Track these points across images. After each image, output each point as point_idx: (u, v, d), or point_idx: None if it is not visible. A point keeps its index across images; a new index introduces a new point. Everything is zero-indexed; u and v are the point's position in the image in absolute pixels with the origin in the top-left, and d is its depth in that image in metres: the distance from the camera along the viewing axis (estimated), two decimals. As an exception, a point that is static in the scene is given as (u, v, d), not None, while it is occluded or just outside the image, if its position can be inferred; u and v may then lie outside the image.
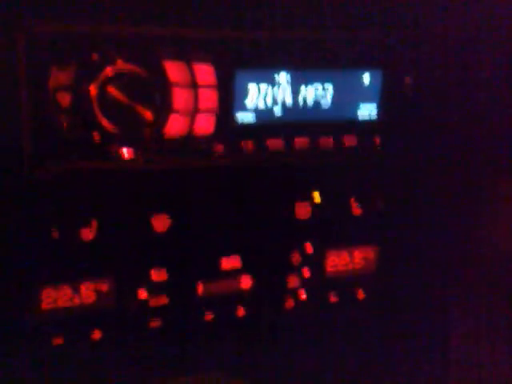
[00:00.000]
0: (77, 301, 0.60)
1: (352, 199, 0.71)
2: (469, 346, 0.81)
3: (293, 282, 0.71)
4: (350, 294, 0.76)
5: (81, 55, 0.50)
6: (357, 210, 0.71)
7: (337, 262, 0.74)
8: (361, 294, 0.77)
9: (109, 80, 0.50)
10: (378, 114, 0.65)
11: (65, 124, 0.51)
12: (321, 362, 0.79)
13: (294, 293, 0.72)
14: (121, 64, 0.51)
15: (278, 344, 0.76)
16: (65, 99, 0.50)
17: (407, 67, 0.64)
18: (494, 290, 0.78)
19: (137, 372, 0.67)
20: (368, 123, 0.65)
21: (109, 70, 0.50)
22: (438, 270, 0.81)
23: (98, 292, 0.61)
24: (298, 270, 0.71)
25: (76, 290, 0.60)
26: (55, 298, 0.59)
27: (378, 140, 0.66)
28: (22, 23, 0.48)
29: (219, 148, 0.58)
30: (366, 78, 0.62)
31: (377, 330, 0.81)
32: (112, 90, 0.50)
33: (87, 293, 0.61)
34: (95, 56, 0.50)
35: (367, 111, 0.64)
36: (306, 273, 0.72)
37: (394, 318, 0.82)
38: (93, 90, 0.50)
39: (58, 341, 0.60)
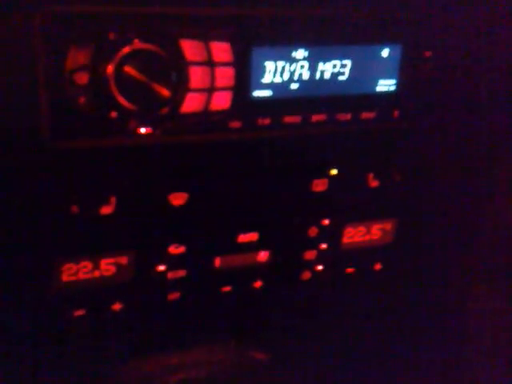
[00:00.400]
0: (97, 273, 0.62)
1: (369, 172, 0.70)
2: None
3: (309, 254, 0.72)
4: (367, 265, 0.77)
5: (98, 35, 0.50)
6: (374, 182, 0.71)
7: (354, 233, 0.74)
8: (377, 265, 0.77)
9: (126, 59, 0.50)
10: (397, 88, 0.63)
11: (83, 102, 0.51)
12: (338, 333, 0.81)
13: (311, 265, 0.73)
14: (138, 43, 0.50)
15: (295, 314, 0.78)
16: (82, 78, 0.50)
17: (427, 42, 0.62)
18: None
19: (155, 343, 0.69)
20: (387, 97, 0.64)
21: (126, 50, 0.50)
22: (458, 243, 0.81)
23: (118, 265, 0.62)
24: (314, 243, 0.72)
25: (96, 263, 0.61)
26: (76, 270, 0.60)
27: (396, 113, 0.65)
28: (39, 3, 0.48)
29: (236, 124, 0.58)
30: (385, 53, 0.61)
31: (393, 301, 0.82)
32: (129, 69, 0.50)
33: (107, 266, 0.62)
34: (112, 35, 0.50)
35: (386, 86, 0.63)
36: (323, 245, 0.72)
37: (410, 289, 0.82)
38: (110, 69, 0.50)
39: (79, 312, 0.62)
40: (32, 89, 0.50)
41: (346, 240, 0.74)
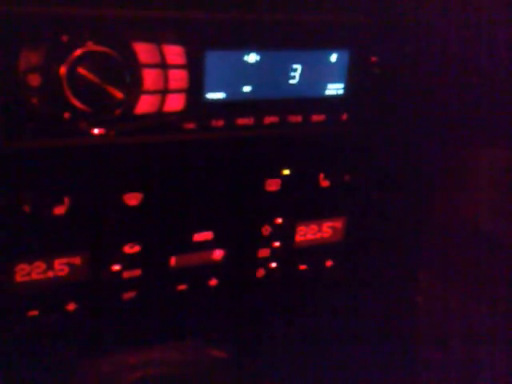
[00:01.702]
0: (51, 274, 0.61)
1: (320, 172, 0.72)
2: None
3: (263, 252, 0.74)
4: (319, 262, 0.79)
5: (51, 36, 0.50)
6: (325, 182, 0.73)
7: (306, 231, 0.76)
8: (329, 262, 0.79)
9: (79, 61, 0.50)
10: (345, 92, 0.66)
11: (36, 103, 0.51)
12: (292, 329, 0.82)
13: (265, 262, 0.75)
14: (91, 45, 0.51)
15: (251, 312, 0.79)
16: (35, 80, 0.50)
17: (374, 47, 0.65)
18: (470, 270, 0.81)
19: (112, 342, 0.69)
20: (335, 101, 0.66)
21: (79, 52, 0.50)
22: (405, 239, 0.84)
23: (72, 265, 0.62)
24: (268, 241, 0.74)
25: (50, 263, 0.61)
26: (29, 270, 0.60)
27: (345, 116, 0.67)
28: None
29: (190, 125, 0.59)
30: (333, 58, 0.63)
31: (345, 298, 0.84)
32: (82, 71, 0.51)
33: (61, 266, 0.62)
34: (65, 38, 0.50)
35: (335, 90, 0.65)
36: (276, 243, 0.74)
37: (361, 287, 0.85)
38: (63, 70, 0.50)
39: (33, 312, 0.62)
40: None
41: (298, 238, 0.76)
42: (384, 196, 0.79)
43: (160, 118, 0.57)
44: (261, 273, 0.75)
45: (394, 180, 0.79)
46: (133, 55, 0.53)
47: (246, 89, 0.60)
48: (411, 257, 0.86)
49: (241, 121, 0.61)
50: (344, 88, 0.66)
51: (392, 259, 0.84)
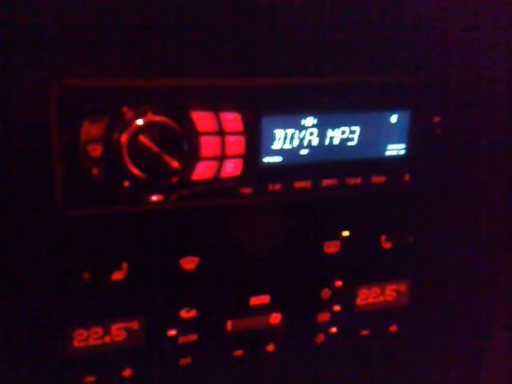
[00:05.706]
0: (108, 339, 0.61)
1: (382, 233, 0.70)
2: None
3: (323, 316, 0.71)
4: (382, 327, 0.75)
5: (111, 109, 0.51)
6: (387, 244, 0.70)
7: (368, 295, 0.73)
8: (393, 327, 0.76)
9: (138, 131, 0.52)
10: (407, 153, 0.64)
11: (96, 173, 0.52)
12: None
13: (325, 327, 0.72)
14: (150, 116, 0.52)
15: (310, 379, 0.76)
16: (96, 150, 0.52)
17: (435, 107, 0.63)
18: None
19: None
20: (397, 161, 0.64)
21: (139, 122, 0.52)
22: (474, 302, 0.79)
23: (129, 330, 0.62)
24: (328, 305, 0.71)
25: (107, 328, 0.61)
26: (86, 336, 0.60)
27: (407, 177, 0.65)
28: (55, 77, 0.49)
29: (247, 190, 0.59)
30: (394, 118, 0.62)
31: (410, 364, 0.80)
32: (142, 141, 0.52)
33: (118, 331, 0.62)
34: (125, 109, 0.51)
35: (395, 150, 0.64)
36: (336, 307, 0.71)
37: (427, 352, 0.80)
38: (123, 140, 0.51)
39: (90, 379, 0.61)
40: (47, 159, 0.51)
41: (359, 301, 0.73)
42: (450, 257, 0.76)
43: (217, 184, 0.57)
44: (320, 338, 0.72)
45: (461, 240, 0.75)
46: (191, 124, 0.54)
47: (303, 152, 0.60)
48: (483, 322, 0.80)
49: (298, 184, 0.61)
50: (405, 148, 0.64)
51: (462, 324, 0.79)
